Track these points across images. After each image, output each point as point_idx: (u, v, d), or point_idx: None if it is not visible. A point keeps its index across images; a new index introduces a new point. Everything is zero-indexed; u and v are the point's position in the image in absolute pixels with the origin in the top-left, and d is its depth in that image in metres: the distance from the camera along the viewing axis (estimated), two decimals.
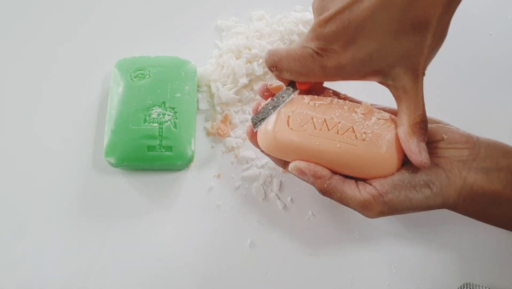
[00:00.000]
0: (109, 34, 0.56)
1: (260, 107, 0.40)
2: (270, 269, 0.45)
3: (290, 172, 0.40)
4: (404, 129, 0.37)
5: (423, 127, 0.37)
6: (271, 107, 0.39)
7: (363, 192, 0.37)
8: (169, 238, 0.46)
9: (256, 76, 0.53)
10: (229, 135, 0.50)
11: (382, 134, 0.38)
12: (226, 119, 0.51)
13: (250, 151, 0.50)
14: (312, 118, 0.38)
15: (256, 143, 0.42)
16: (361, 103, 0.40)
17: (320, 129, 0.38)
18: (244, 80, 0.52)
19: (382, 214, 0.37)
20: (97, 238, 0.46)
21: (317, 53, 0.36)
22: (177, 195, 0.48)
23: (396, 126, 0.38)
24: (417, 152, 0.36)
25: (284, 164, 0.41)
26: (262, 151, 0.42)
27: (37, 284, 0.44)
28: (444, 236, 0.46)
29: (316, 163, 0.38)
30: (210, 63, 0.54)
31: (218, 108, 0.52)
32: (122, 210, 0.47)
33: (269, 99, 0.40)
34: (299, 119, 0.38)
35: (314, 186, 0.39)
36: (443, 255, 0.45)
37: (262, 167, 0.49)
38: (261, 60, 0.52)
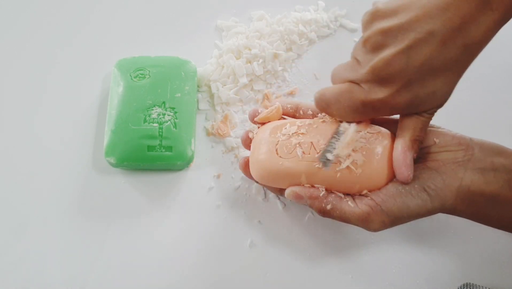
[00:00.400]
0: (109, 34, 0.56)
1: (324, 147, 0.40)
2: (270, 269, 0.45)
3: (287, 198, 0.41)
4: (404, 142, 0.38)
5: (419, 145, 0.38)
6: (334, 141, 0.40)
7: (360, 205, 0.38)
8: (169, 238, 0.46)
9: (256, 76, 0.53)
10: (229, 135, 0.50)
11: (373, 147, 0.39)
12: (226, 119, 0.51)
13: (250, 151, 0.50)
14: (299, 144, 0.40)
15: (249, 175, 0.44)
16: None
17: (309, 154, 0.39)
18: (244, 80, 0.52)
19: (383, 224, 0.38)
20: (97, 238, 0.46)
21: (368, 96, 0.37)
22: (177, 195, 0.48)
23: (387, 139, 0.39)
24: (408, 165, 0.37)
25: (281, 190, 0.43)
26: (256, 182, 0.44)
27: (37, 284, 0.44)
28: (444, 236, 0.46)
29: (311, 186, 0.40)
30: (210, 63, 0.54)
31: (218, 108, 0.52)
32: (122, 210, 0.47)
33: (331, 137, 0.40)
34: (285, 147, 0.40)
35: (312, 208, 0.40)
36: (443, 255, 0.45)
37: None
38: (261, 60, 0.52)
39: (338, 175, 0.38)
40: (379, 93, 0.36)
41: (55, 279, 0.45)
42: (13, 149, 0.50)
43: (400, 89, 0.36)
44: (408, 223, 0.46)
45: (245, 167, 0.44)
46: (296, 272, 0.45)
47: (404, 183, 0.38)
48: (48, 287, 0.44)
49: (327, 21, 0.56)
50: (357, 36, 0.56)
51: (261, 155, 0.41)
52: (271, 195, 0.48)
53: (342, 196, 0.39)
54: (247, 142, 0.44)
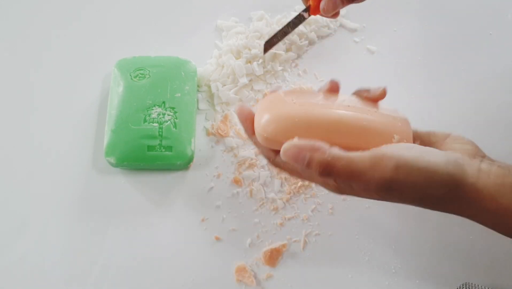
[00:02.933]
0: (109, 34, 0.56)
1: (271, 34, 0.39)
2: (270, 269, 0.45)
3: (278, 166, 0.37)
4: None
5: None
6: (282, 33, 0.38)
7: (371, 150, 0.33)
8: (169, 237, 0.46)
9: (256, 76, 0.53)
10: (229, 135, 0.50)
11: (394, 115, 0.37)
12: (226, 119, 0.51)
13: (250, 151, 0.50)
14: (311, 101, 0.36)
15: (250, 130, 0.37)
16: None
17: (325, 102, 0.36)
18: (244, 80, 0.52)
19: (396, 170, 0.31)
20: (97, 238, 0.46)
21: None
22: (177, 195, 0.48)
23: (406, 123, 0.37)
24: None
25: (275, 155, 0.37)
26: (253, 141, 0.38)
27: (37, 284, 0.44)
28: (444, 236, 0.46)
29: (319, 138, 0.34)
30: (210, 63, 0.54)
31: (218, 108, 0.52)
32: (122, 210, 0.47)
33: (282, 26, 0.39)
34: (298, 96, 0.37)
35: (312, 166, 0.33)
36: (443, 255, 0.45)
37: (262, 167, 0.49)
38: (261, 60, 0.52)
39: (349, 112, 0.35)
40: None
41: (55, 279, 0.45)
42: (13, 148, 0.50)
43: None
44: (408, 223, 0.46)
45: (247, 118, 0.37)
46: (296, 271, 0.45)
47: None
48: (48, 287, 0.44)
49: (327, 21, 0.56)
50: (357, 36, 0.56)
51: (274, 104, 0.36)
52: (271, 195, 0.48)
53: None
54: (244, 114, 0.38)
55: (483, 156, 0.35)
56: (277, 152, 0.36)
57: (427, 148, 0.34)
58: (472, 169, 0.33)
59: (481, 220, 0.35)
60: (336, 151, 0.33)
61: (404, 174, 0.31)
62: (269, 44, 0.38)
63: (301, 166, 0.33)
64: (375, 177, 0.32)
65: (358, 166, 0.32)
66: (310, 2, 0.44)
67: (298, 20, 0.38)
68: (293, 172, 0.37)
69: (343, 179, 0.33)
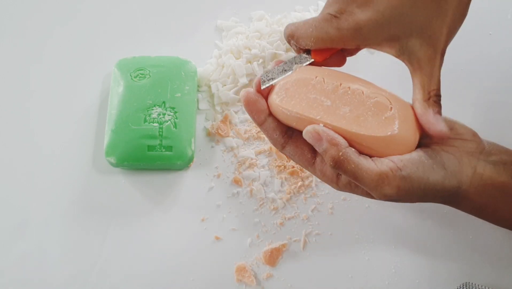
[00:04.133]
0: (109, 34, 0.56)
1: (270, 67, 0.38)
2: (270, 269, 0.45)
3: (286, 152, 0.38)
4: (419, 103, 0.36)
5: (437, 101, 0.36)
6: (281, 70, 0.38)
7: (379, 164, 0.35)
8: (169, 237, 0.46)
9: (256, 76, 0.53)
10: (229, 135, 0.50)
11: (401, 113, 0.36)
12: (226, 119, 0.51)
13: (250, 151, 0.50)
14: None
15: (254, 108, 0.38)
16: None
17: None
18: (244, 80, 0.52)
19: (398, 190, 0.34)
20: (97, 238, 0.46)
21: (334, 16, 0.36)
22: (177, 195, 0.48)
23: (409, 107, 0.37)
24: (434, 122, 0.35)
25: (284, 142, 0.39)
26: (258, 123, 0.39)
27: (37, 284, 0.44)
28: (444, 236, 0.46)
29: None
30: (210, 63, 0.54)
31: (218, 108, 0.52)
32: (122, 209, 0.47)
33: (282, 62, 0.39)
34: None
35: (325, 156, 0.35)
36: (443, 255, 0.45)
37: (262, 167, 0.49)
38: (261, 60, 0.52)
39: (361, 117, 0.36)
40: (345, 11, 0.36)
41: (56, 279, 0.45)
42: (13, 148, 0.50)
43: (360, 3, 0.35)
44: (408, 223, 0.47)
45: (258, 90, 0.38)
46: (296, 271, 0.45)
47: (443, 138, 0.36)
48: (48, 287, 0.44)
49: None
50: None
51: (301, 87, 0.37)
52: (271, 194, 0.48)
53: (360, 153, 0.36)
54: (251, 97, 0.38)
55: (482, 150, 0.37)
56: (286, 139, 0.39)
57: (430, 163, 0.35)
58: (467, 175, 0.36)
59: (469, 212, 0.40)
60: (349, 153, 0.35)
61: (404, 191, 0.35)
62: (267, 77, 0.38)
63: (318, 149, 0.36)
64: (377, 191, 0.35)
65: (363, 176, 0.35)
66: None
67: (300, 60, 0.38)
68: (300, 160, 0.39)
69: (348, 178, 0.36)
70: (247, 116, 0.51)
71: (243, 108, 0.52)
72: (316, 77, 0.37)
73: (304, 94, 0.37)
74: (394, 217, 0.47)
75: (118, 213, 0.47)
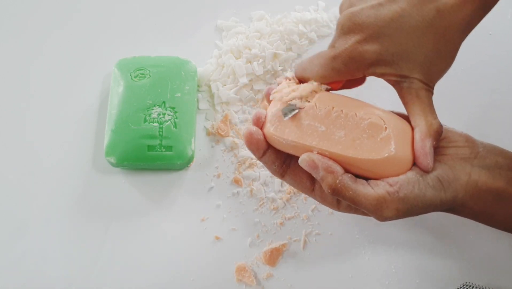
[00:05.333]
0: (109, 34, 0.56)
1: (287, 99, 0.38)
2: (270, 269, 0.45)
3: (286, 180, 0.39)
4: (421, 130, 0.37)
5: (439, 132, 0.37)
6: (300, 100, 0.38)
7: (376, 188, 0.36)
8: (169, 237, 0.46)
9: (256, 76, 0.53)
10: (229, 135, 0.50)
11: (396, 132, 0.37)
12: (226, 119, 0.51)
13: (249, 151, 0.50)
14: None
15: (255, 146, 0.39)
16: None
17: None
18: (244, 80, 0.52)
19: (397, 212, 0.35)
20: (97, 238, 0.46)
21: (337, 49, 0.37)
22: (177, 195, 0.48)
23: (407, 128, 0.37)
24: (427, 154, 0.36)
25: (282, 172, 0.39)
26: (258, 158, 0.39)
27: (37, 284, 0.44)
28: (444, 236, 0.46)
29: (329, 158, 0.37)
30: (210, 63, 0.54)
31: (218, 108, 0.52)
32: (122, 209, 0.47)
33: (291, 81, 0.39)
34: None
35: (322, 183, 0.36)
36: (443, 255, 0.45)
37: (262, 166, 0.49)
38: (261, 60, 0.52)
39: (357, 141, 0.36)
40: (347, 42, 0.36)
41: (56, 279, 0.45)
42: (13, 148, 0.50)
43: (367, 37, 0.36)
44: (408, 223, 0.47)
45: (257, 128, 0.39)
46: (296, 271, 0.45)
47: (425, 172, 0.36)
48: (48, 286, 0.44)
49: (327, 21, 0.56)
50: None
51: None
52: (271, 194, 0.48)
53: (356, 178, 0.37)
54: (253, 135, 0.39)
55: (476, 154, 0.38)
56: (285, 169, 0.39)
57: (425, 179, 0.36)
58: (462, 183, 0.37)
59: (467, 218, 0.40)
60: (346, 180, 0.36)
61: (403, 212, 0.36)
62: (288, 109, 0.38)
63: (315, 176, 0.37)
64: (377, 214, 0.36)
65: (362, 202, 0.36)
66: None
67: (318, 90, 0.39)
68: (300, 188, 0.40)
69: (348, 203, 0.37)
70: (247, 116, 0.51)
71: (243, 108, 0.52)
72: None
73: (297, 121, 0.37)
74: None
75: (118, 213, 0.47)
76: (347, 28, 0.36)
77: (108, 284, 0.45)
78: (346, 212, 0.39)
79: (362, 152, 0.36)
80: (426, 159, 0.36)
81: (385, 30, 0.36)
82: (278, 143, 0.38)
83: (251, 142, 0.39)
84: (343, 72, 0.37)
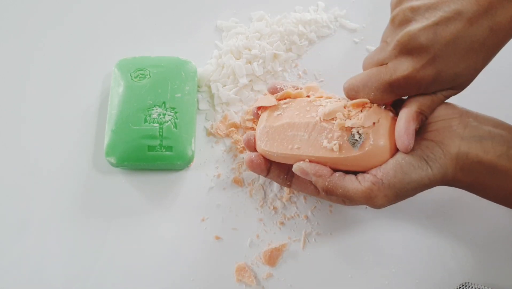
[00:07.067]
0: (109, 34, 0.56)
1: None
2: (270, 269, 0.45)
3: (293, 188, 0.43)
4: (409, 112, 0.38)
5: (423, 119, 0.39)
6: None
7: (363, 182, 0.38)
8: (169, 237, 0.46)
9: (256, 76, 0.53)
10: (229, 135, 0.50)
11: (377, 123, 0.39)
12: (226, 119, 0.51)
13: None
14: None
15: (258, 169, 0.43)
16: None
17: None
18: (244, 81, 0.52)
19: (387, 198, 0.37)
20: (97, 238, 0.46)
21: (394, 74, 0.38)
22: (177, 195, 0.48)
23: (385, 117, 0.39)
24: (409, 134, 0.37)
25: (289, 182, 0.44)
26: (264, 175, 0.44)
27: (37, 284, 0.44)
28: (443, 235, 0.46)
29: (317, 162, 0.40)
30: (210, 64, 0.54)
31: (218, 108, 0.52)
32: (122, 209, 0.47)
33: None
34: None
35: (317, 186, 0.40)
36: (443, 255, 0.46)
37: None
38: (261, 61, 0.52)
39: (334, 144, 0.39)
40: (405, 68, 0.37)
41: (56, 279, 0.45)
42: (13, 148, 0.50)
43: (425, 64, 0.36)
44: (409, 223, 0.47)
45: (252, 144, 0.44)
46: (296, 271, 0.45)
47: (404, 152, 0.38)
48: (48, 286, 0.44)
49: (327, 22, 0.56)
50: (357, 37, 0.56)
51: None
52: (271, 194, 0.48)
53: (345, 175, 0.39)
54: (254, 160, 0.44)
55: (466, 124, 0.38)
56: (290, 178, 0.44)
57: (408, 161, 0.37)
58: (451, 157, 0.37)
59: (462, 188, 0.40)
60: (334, 180, 0.39)
61: (393, 196, 0.38)
62: (355, 140, 0.40)
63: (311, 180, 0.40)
64: (370, 204, 0.38)
65: (353, 196, 0.38)
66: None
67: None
68: (307, 192, 0.44)
69: (342, 199, 0.40)
70: (247, 116, 0.51)
71: (243, 108, 0.52)
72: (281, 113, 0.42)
73: (283, 133, 0.41)
74: (394, 217, 0.47)
75: (118, 213, 0.47)
76: (405, 50, 0.37)
77: (108, 284, 0.45)
78: (353, 205, 0.43)
79: (346, 150, 0.39)
80: (407, 139, 0.37)
81: (442, 53, 0.36)
82: (271, 156, 0.42)
83: (254, 168, 0.43)
84: (398, 95, 0.39)
